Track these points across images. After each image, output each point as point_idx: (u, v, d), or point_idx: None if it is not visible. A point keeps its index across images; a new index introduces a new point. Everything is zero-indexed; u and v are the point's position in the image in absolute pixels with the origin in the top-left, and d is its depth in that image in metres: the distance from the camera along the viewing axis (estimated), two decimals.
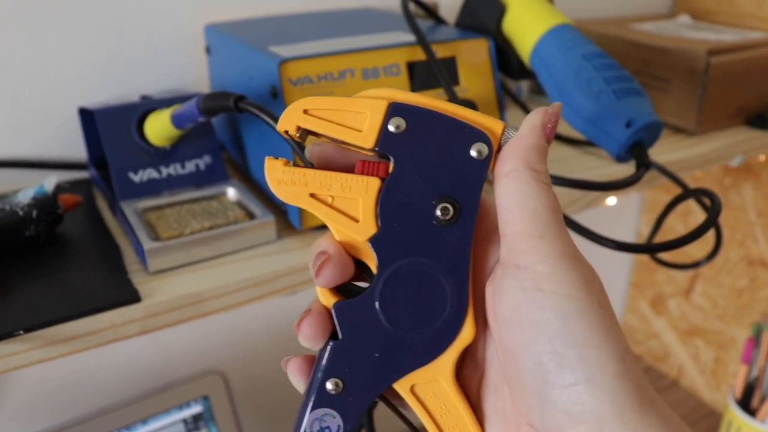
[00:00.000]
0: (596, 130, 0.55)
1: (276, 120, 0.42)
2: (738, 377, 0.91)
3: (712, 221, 0.48)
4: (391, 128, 0.26)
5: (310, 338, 0.28)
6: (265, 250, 0.51)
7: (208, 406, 0.76)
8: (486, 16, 0.61)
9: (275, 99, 0.50)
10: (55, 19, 0.62)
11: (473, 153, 0.26)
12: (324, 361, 0.28)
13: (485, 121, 0.27)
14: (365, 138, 0.26)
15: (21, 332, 0.42)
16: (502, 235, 0.26)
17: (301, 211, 0.51)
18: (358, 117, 0.27)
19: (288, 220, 0.53)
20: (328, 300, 0.28)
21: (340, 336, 0.28)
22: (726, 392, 1.09)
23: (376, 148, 0.27)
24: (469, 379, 0.29)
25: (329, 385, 0.28)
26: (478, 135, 0.27)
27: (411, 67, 0.54)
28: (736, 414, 0.89)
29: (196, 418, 0.75)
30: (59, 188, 0.52)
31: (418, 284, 0.27)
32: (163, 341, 0.78)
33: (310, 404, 0.28)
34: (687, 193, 0.56)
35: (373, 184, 0.27)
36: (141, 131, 0.55)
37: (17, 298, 0.45)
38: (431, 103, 0.27)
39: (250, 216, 0.52)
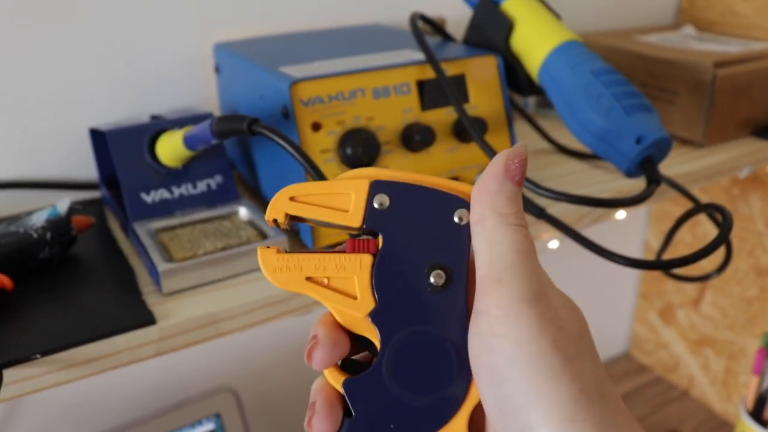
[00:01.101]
0: (606, 146, 0.55)
1: (288, 142, 0.43)
2: (749, 388, 0.91)
3: (723, 237, 0.48)
4: (375, 205, 0.27)
5: (324, 431, 0.28)
6: None
7: (220, 424, 0.76)
8: (494, 32, 0.61)
9: (287, 119, 0.50)
10: (66, 40, 0.63)
11: (456, 219, 0.28)
12: None
13: (463, 188, 0.28)
14: (352, 218, 0.28)
15: (38, 356, 0.42)
16: (477, 281, 0.27)
17: (313, 231, 0.51)
18: (343, 198, 0.28)
19: (300, 240, 0.53)
20: (337, 379, 0.28)
21: (353, 413, 0.28)
22: (737, 403, 1.09)
23: (364, 226, 0.28)
24: (477, 426, 0.29)
25: None
26: (458, 201, 0.28)
27: (421, 85, 0.54)
28: (748, 425, 0.89)
29: None
30: (72, 210, 0.52)
31: (421, 351, 0.28)
32: (175, 360, 0.78)
33: None
34: (698, 207, 0.56)
35: (366, 260, 0.28)
36: (152, 152, 0.55)
37: (33, 322, 0.45)
38: (410, 177, 0.28)
39: (263, 236, 0.52)
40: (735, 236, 1.02)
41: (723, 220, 0.50)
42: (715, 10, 0.94)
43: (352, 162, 0.50)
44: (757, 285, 1.02)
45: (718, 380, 1.12)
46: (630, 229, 1.17)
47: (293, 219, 0.28)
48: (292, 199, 0.28)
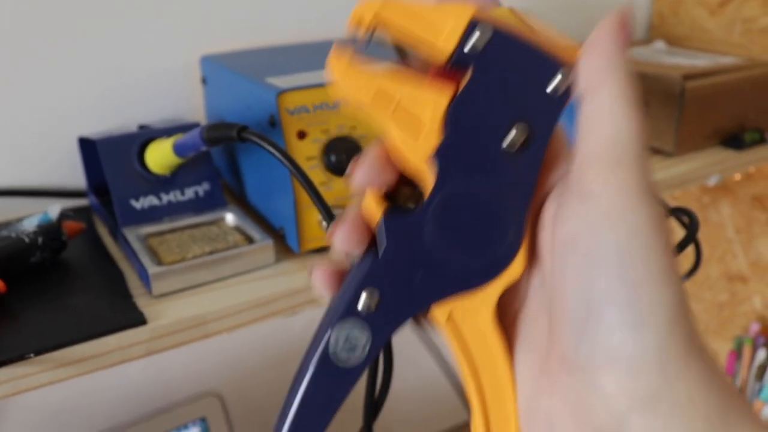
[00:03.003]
0: None
1: (277, 149, 0.45)
2: None
3: (691, 237, 0.51)
4: (470, 42, 0.24)
5: (346, 241, 0.26)
6: (264, 273, 0.53)
7: (205, 428, 0.77)
8: None
9: (273, 128, 0.52)
10: (56, 52, 0.64)
11: (552, 87, 0.24)
12: (365, 270, 0.26)
13: (569, 51, 0.25)
14: (442, 46, 0.25)
15: (32, 355, 0.43)
16: (575, 156, 0.24)
17: (299, 234, 0.53)
18: (438, 26, 0.24)
19: (286, 244, 0.55)
20: (377, 208, 0.26)
21: (382, 250, 0.26)
22: None
23: (452, 60, 0.25)
24: (507, 306, 0.27)
25: (364, 296, 0.25)
26: (556, 68, 0.25)
27: None
28: None
29: None
30: (63, 215, 0.54)
31: (474, 209, 0.25)
32: (160, 364, 0.79)
33: (339, 313, 0.25)
34: (666, 212, 0.59)
35: (444, 96, 0.25)
36: (141, 160, 0.57)
37: (26, 323, 0.46)
38: (517, 26, 0.25)
39: (249, 240, 0.54)
40: (706, 243, 1.06)
41: (690, 221, 0.52)
42: (685, 26, 0.98)
43: (336, 169, 0.52)
44: (727, 290, 1.05)
45: None
46: None
47: (375, 30, 0.25)
48: (386, 6, 0.25)
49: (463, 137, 0.25)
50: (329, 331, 0.26)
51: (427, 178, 0.25)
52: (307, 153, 0.52)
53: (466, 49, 0.24)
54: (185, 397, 0.78)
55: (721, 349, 1.08)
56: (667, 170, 0.74)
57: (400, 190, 0.27)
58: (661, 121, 0.77)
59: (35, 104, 0.65)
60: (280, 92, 0.51)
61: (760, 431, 0.22)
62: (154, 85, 0.70)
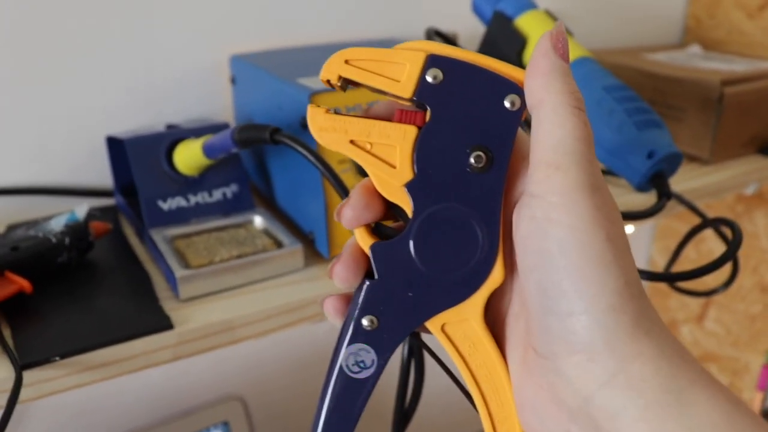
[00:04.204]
0: (617, 161, 0.56)
1: (310, 152, 0.43)
2: (754, 404, 0.91)
3: (734, 251, 0.49)
4: (428, 79, 0.27)
5: (344, 279, 0.29)
6: (293, 278, 0.52)
7: None
8: (507, 48, 0.62)
9: (305, 129, 0.51)
10: (85, 50, 0.63)
11: (507, 104, 0.27)
12: (360, 299, 0.29)
13: (517, 73, 0.27)
14: (403, 88, 0.27)
15: (57, 358, 0.42)
16: (530, 165, 0.26)
17: (329, 239, 0.52)
18: (397, 68, 0.27)
19: (315, 249, 0.54)
20: (365, 241, 0.29)
21: (376, 276, 0.29)
22: None
23: (414, 98, 0.27)
24: (497, 310, 0.30)
25: (365, 322, 0.29)
26: (511, 87, 0.27)
27: None
28: None
29: None
30: (90, 215, 0.53)
31: (451, 228, 0.28)
32: (183, 367, 0.78)
33: (347, 339, 0.29)
34: (706, 222, 0.57)
35: (411, 132, 0.28)
36: (170, 160, 0.56)
37: (51, 325, 0.45)
38: (467, 55, 0.27)
39: (278, 244, 0.53)
40: (739, 253, 1.03)
41: (733, 234, 0.50)
42: (722, 30, 0.96)
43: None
44: (761, 302, 1.03)
45: None
46: (635, 245, 1.17)
47: (346, 82, 0.29)
48: (347, 62, 0.28)
49: (431, 165, 0.28)
50: (340, 356, 0.29)
51: (403, 203, 0.28)
52: (339, 156, 0.51)
53: (428, 83, 0.27)
54: (208, 400, 0.77)
55: (754, 362, 1.05)
56: (702, 178, 0.72)
57: (387, 218, 0.30)
58: (697, 127, 0.75)
59: (64, 103, 0.64)
60: (313, 93, 0.50)
61: (714, 394, 0.24)
62: (183, 85, 0.69)
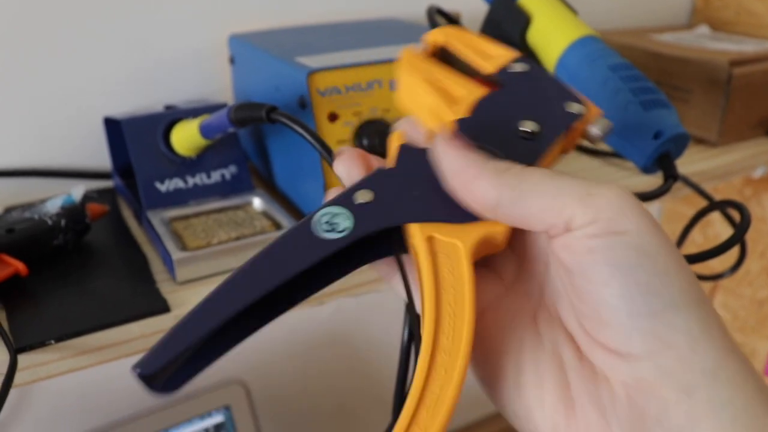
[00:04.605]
0: (623, 142, 0.54)
1: (307, 131, 0.43)
2: None
3: (742, 233, 0.48)
4: (513, 68, 0.31)
5: (350, 163, 0.30)
6: None
7: (229, 416, 0.76)
8: (510, 27, 0.61)
9: (303, 109, 0.50)
10: (81, 30, 0.63)
11: (566, 107, 0.30)
12: (366, 176, 0.29)
13: (586, 100, 0.31)
14: (489, 66, 0.31)
15: (52, 342, 0.42)
16: (550, 226, 0.26)
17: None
18: (491, 55, 0.31)
19: None
20: (399, 139, 0.30)
21: (392, 164, 0.29)
22: None
23: (495, 74, 0.31)
24: (521, 307, 0.30)
25: (359, 194, 0.28)
26: (577, 99, 0.30)
27: None
28: None
29: (218, 427, 0.75)
30: (86, 197, 0.52)
31: None
32: None
33: (333, 199, 0.28)
34: (713, 205, 0.56)
35: (481, 90, 0.30)
36: (167, 141, 0.55)
37: (47, 308, 0.45)
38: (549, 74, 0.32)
39: (277, 226, 0.52)
40: (747, 237, 1.02)
41: (741, 216, 0.49)
42: (730, 10, 0.94)
43: (368, 152, 0.50)
44: None
45: None
46: None
47: (442, 52, 0.32)
48: (453, 34, 0.32)
49: (487, 116, 0.30)
50: (316, 212, 0.27)
51: None
52: (339, 136, 0.50)
53: (510, 71, 0.31)
54: (209, 384, 0.77)
55: (761, 347, 1.04)
56: (710, 161, 0.71)
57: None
58: (704, 109, 0.73)
59: (60, 84, 0.63)
60: (311, 72, 0.49)
61: None
62: (181, 65, 0.68)
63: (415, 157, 0.29)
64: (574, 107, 0.30)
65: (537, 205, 0.26)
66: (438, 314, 0.26)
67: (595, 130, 0.31)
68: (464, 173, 0.27)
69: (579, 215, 0.25)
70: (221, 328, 0.25)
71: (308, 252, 0.26)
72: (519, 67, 0.31)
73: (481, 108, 0.30)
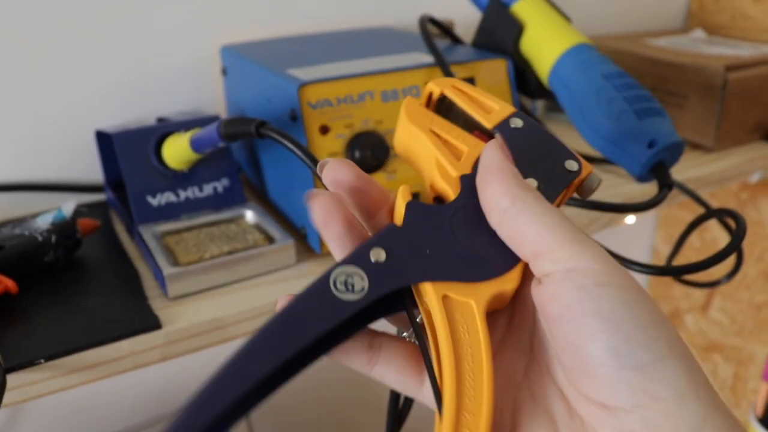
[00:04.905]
0: (617, 150, 0.54)
1: (297, 146, 0.42)
2: (759, 395, 0.90)
3: (737, 243, 0.48)
4: (511, 123, 0.31)
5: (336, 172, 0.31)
6: (284, 274, 0.50)
7: None
8: (504, 35, 0.61)
9: (294, 122, 0.49)
10: (72, 42, 0.62)
11: (566, 165, 0.31)
12: (377, 234, 0.29)
13: (579, 157, 0.31)
14: (489, 120, 0.32)
15: (42, 361, 0.41)
16: (539, 253, 0.27)
17: (320, 238, 0.50)
18: (489, 108, 0.32)
19: (307, 244, 0.53)
20: (406, 196, 0.30)
21: (402, 222, 0.29)
22: (747, 410, 1.08)
23: (494, 129, 0.31)
24: (514, 363, 0.30)
25: (372, 253, 0.28)
26: (573, 156, 0.31)
27: None
28: None
29: None
30: (77, 212, 0.52)
31: (485, 224, 0.29)
32: (179, 363, 0.77)
33: (345, 258, 0.28)
34: (710, 213, 0.56)
35: (482, 145, 0.31)
36: (159, 154, 0.55)
37: (37, 325, 0.44)
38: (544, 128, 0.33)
39: (270, 240, 0.52)
40: (744, 242, 1.02)
41: (736, 225, 0.49)
42: (725, 14, 0.94)
43: (360, 165, 0.49)
44: (766, 291, 1.01)
45: (727, 386, 1.11)
46: (637, 234, 1.16)
47: (440, 103, 0.33)
48: (453, 86, 0.33)
49: None
50: (333, 269, 0.27)
51: (450, 192, 0.30)
52: (330, 149, 0.50)
53: (508, 125, 0.31)
54: None
55: (759, 351, 1.04)
56: (706, 166, 0.71)
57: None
58: (700, 114, 0.73)
59: (51, 96, 0.63)
60: (302, 84, 0.49)
61: None
62: (174, 76, 0.68)
63: (424, 215, 0.29)
64: (572, 165, 0.31)
65: (536, 229, 0.26)
66: (459, 374, 0.26)
67: (590, 186, 0.32)
68: (500, 169, 0.28)
69: (566, 255, 0.26)
70: (243, 396, 0.25)
71: (328, 315, 0.26)
72: (517, 122, 0.32)
73: None
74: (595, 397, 0.25)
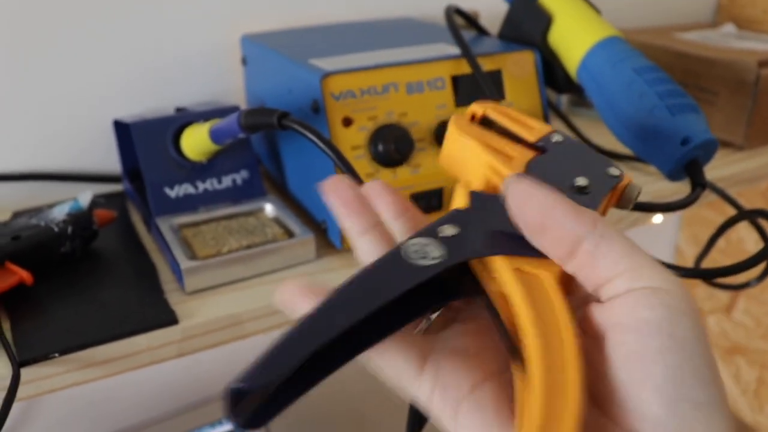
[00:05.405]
0: (648, 147, 0.52)
1: (320, 138, 0.41)
2: None
3: None
4: (552, 138, 0.34)
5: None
6: (304, 269, 0.49)
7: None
8: (531, 27, 0.59)
9: (317, 113, 0.48)
10: (90, 31, 0.61)
11: (608, 170, 0.32)
12: (447, 214, 0.29)
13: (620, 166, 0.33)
14: (531, 136, 0.33)
15: (56, 355, 0.41)
16: (621, 272, 0.26)
17: (342, 230, 0.49)
18: (530, 126, 0.34)
19: (328, 239, 0.52)
20: (468, 188, 0.31)
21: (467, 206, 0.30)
22: None
23: (537, 143, 0.33)
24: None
25: (444, 228, 0.28)
26: (613, 165, 0.32)
27: (456, 80, 0.52)
28: None
29: None
30: (94, 203, 0.51)
31: None
32: (195, 359, 0.77)
33: (417, 232, 0.28)
34: (742, 214, 0.54)
35: (530, 154, 0.33)
36: (177, 145, 0.54)
37: (52, 318, 0.43)
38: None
39: (289, 234, 0.50)
40: None
41: None
42: (757, 8, 0.91)
43: (383, 159, 0.48)
44: None
45: (750, 390, 1.09)
46: (661, 233, 1.14)
47: (483, 122, 0.35)
48: (495, 108, 0.35)
49: (540, 175, 0.30)
50: (401, 244, 0.27)
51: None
52: (353, 141, 0.48)
53: (550, 139, 0.34)
54: (219, 392, 0.75)
55: None
56: (736, 165, 0.69)
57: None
58: (731, 111, 0.71)
59: (69, 85, 0.62)
60: (325, 75, 0.47)
61: None
62: (193, 66, 0.66)
63: (487, 202, 0.30)
64: (614, 171, 0.32)
65: (621, 249, 0.26)
66: (544, 337, 0.25)
67: (630, 195, 0.32)
68: (543, 206, 0.26)
69: (655, 274, 0.25)
70: (315, 355, 0.24)
71: (404, 277, 0.26)
72: (557, 138, 0.33)
73: (534, 167, 0.32)
74: (633, 423, 0.24)
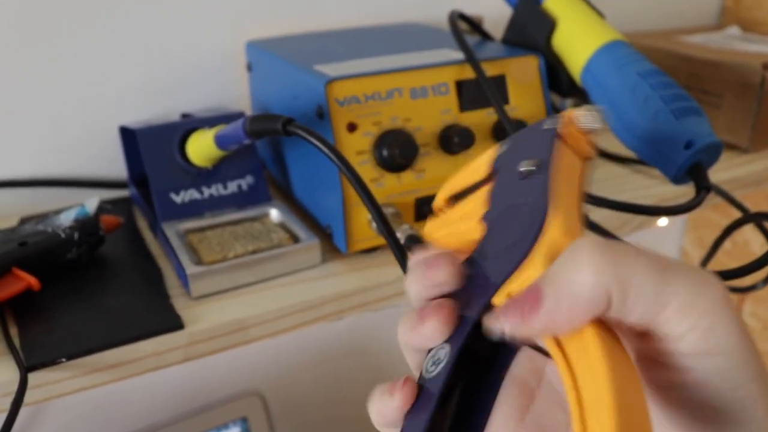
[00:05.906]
0: (652, 151, 0.52)
1: (325, 144, 0.41)
2: None
3: None
4: (500, 151, 0.33)
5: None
6: (310, 274, 0.49)
7: (246, 428, 0.74)
8: (535, 31, 0.59)
9: (321, 119, 0.48)
10: (96, 38, 0.62)
11: (545, 126, 0.31)
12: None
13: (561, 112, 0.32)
14: (482, 174, 0.33)
15: (63, 360, 0.41)
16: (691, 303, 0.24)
17: (347, 234, 0.49)
18: (474, 169, 0.33)
19: (333, 244, 0.52)
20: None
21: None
22: None
23: (491, 171, 0.32)
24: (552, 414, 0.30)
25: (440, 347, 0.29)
26: (549, 119, 0.31)
27: (460, 86, 0.52)
28: None
29: None
30: (101, 209, 0.51)
31: (508, 219, 0.29)
32: (202, 363, 0.77)
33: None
34: (748, 216, 0.54)
35: (485, 191, 0.32)
36: (183, 151, 0.54)
37: (59, 323, 0.44)
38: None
39: (295, 239, 0.51)
40: None
41: None
42: (762, 10, 0.91)
43: (388, 164, 0.49)
44: None
45: None
46: (666, 236, 1.13)
47: (452, 198, 0.34)
48: (446, 187, 0.34)
49: (499, 196, 0.31)
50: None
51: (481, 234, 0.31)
52: (358, 147, 0.48)
53: (498, 158, 0.33)
54: (226, 396, 0.76)
55: None
56: (741, 168, 0.69)
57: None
58: (735, 114, 0.71)
59: (75, 91, 0.62)
60: (329, 81, 0.48)
61: None
62: (198, 72, 0.67)
63: (475, 265, 0.30)
64: (548, 123, 0.31)
65: (645, 302, 0.23)
66: (569, 363, 0.24)
67: (583, 120, 0.31)
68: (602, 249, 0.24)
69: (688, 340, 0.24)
70: None
71: (428, 397, 0.28)
72: (504, 146, 0.33)
73: (494, 196, 0.31)
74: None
